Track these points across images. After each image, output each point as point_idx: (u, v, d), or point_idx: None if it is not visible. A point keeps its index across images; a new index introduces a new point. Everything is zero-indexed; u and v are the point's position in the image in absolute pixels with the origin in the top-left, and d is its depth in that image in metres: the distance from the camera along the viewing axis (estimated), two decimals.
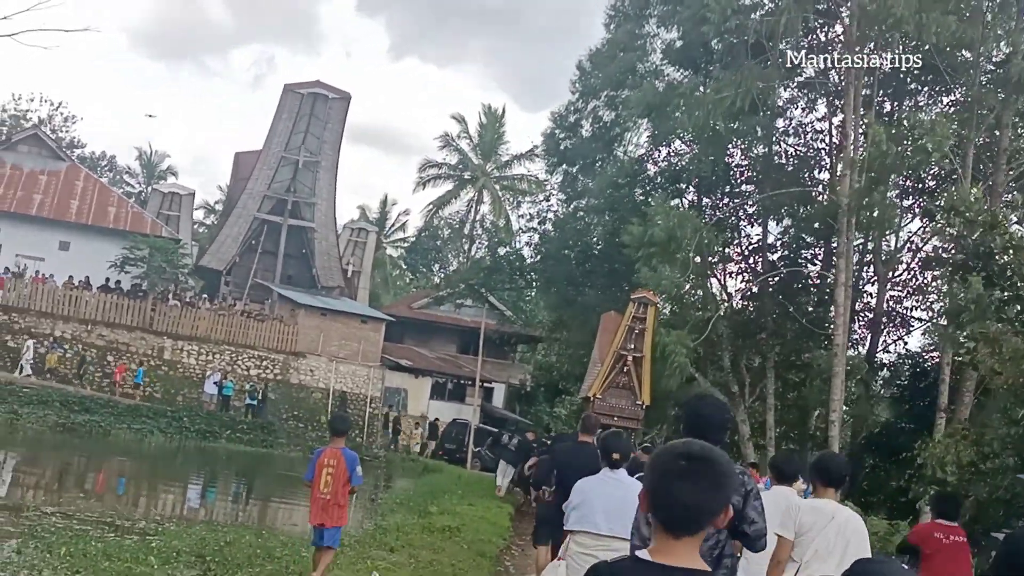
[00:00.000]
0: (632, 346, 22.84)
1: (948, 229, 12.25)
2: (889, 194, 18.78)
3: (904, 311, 26.42)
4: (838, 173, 20.49)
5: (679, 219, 18.77)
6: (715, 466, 2.29)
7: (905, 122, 18.68)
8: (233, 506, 18.75)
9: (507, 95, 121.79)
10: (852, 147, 18.59)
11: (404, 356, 40.57)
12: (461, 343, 44.12)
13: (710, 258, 23.54)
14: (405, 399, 38.51)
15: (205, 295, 40.56)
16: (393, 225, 68.62)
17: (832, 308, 25.31)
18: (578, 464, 7.23)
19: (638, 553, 2.32)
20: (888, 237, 24.03)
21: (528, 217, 32.26)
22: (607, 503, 5.72)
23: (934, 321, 20.22)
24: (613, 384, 23.02)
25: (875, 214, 18.19)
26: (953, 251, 12.78)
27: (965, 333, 13.24)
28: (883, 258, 24.58)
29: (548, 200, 31.68)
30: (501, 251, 31.31)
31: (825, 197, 21.56)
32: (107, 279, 35.86)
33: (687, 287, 21.36)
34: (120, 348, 34.33)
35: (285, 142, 42.04)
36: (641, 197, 24.91)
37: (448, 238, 60.65)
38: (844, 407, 22.28)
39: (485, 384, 39.72)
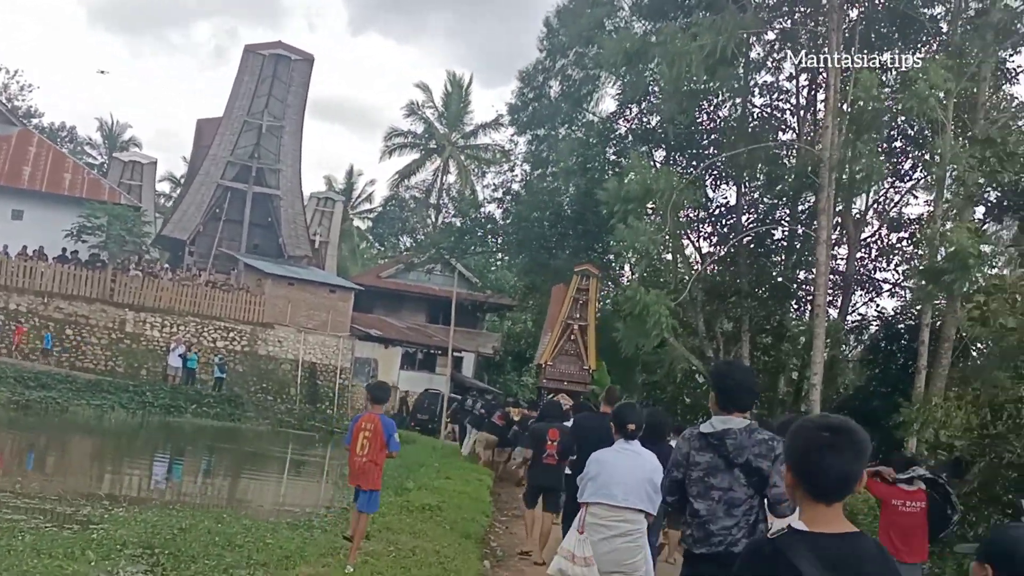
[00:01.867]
0: (577, 315, 24.89)
1: (983, 166, 11.61)
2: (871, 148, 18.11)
3: (870, 272, 26.15)
4: (820, 125, 19.87)
5: (655, 173, 18.08)
6: (856, 435, 2.44)
7: (892, 67, 18.07)
8: (194, 486, 17.61)
9: (469, 71, 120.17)
10: (835, 95, 17.93)
11: (373, 326, 39.79)
12: (430, 312, 43.41)
13: (685, 215, 23.04)
14: (375, 369, 37.76)
15: (168, 265, 39.36)
16: (360, 196, 67.50)
17: (806, 269, 25.15)
18: (596, 436, 7.29)
19: (794, 524, 2.41)
20: (857, 198, 23.64)
21: (493, 187, 31.62)
22: (624, 475, 5.75)
23: (917, 276, 19.70)
24: (562, 352, 25.03)
25: (860, 168, 17.57)
26: (988, 189, 12.17)
27: (975, 286, 12.72)
28: (854, 218, 24.24)
29: (513, 171, 31.08)
30: (472, 214, 30.38)
31: (806, 150, 20.92)
32: (63, 249, 34.57)
33: (664, 244, 20.80)
34: (79, 321, 33.16)
35: (248, 106, 40.74)
36: (613, 156, 24.29)
37: (414, 208, 59.78)
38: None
39: (455, 353, 39.07)
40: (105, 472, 17.90)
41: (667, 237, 21.36)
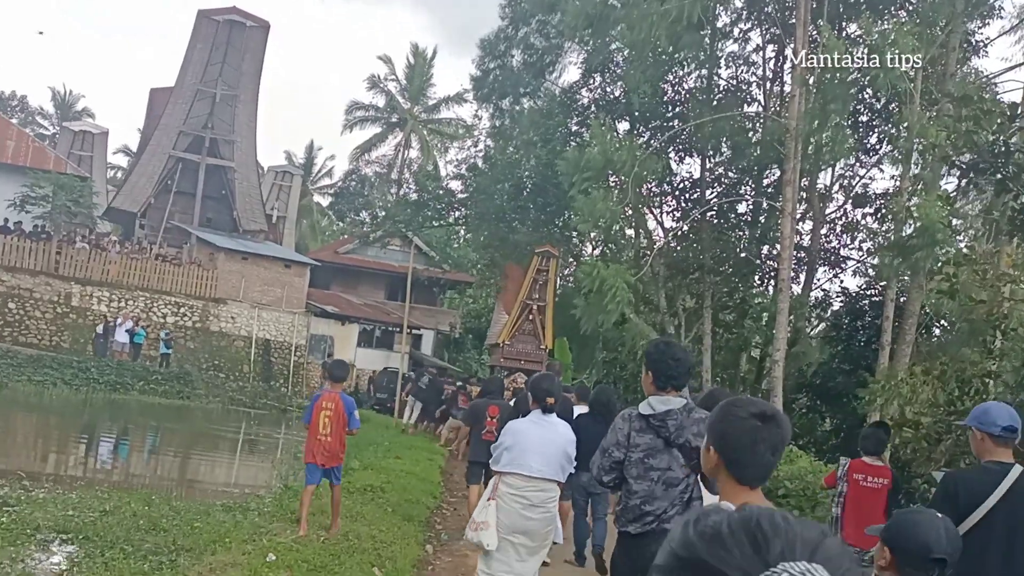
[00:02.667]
0: (536, 295, 25.52)
1: (958, 126, 11.15)
2: (838, 119, 17.61)
3: (834, 249, 25.88)
4: (787, 96, 19.34)
5: (618, 143, 17.41)
6: (784, 425, 2.46)
7: (860, 39, 17.52)
8: (129, 467, 16.45)
9: (434, 43, 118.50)
10: (802, 64, 17.36)
11: (330, 302, 38.85)
12: (389, 289, 42.51)
13: (648, 188, 22.48)
14: (331, 347, 36.85)
15: (116, 238, 38.05)
16: (320, 171, 66.25)
17: (770, 244, 24.74)
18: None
19: (721, 505, 2.27)
20: (822, 172, 23.26)
21: (456, 163, 30.91)
22: (538, 445, 5.74)
23: (884, 251, 19.32)
24: (520, 331, 25.83)
25: (827, 139, 17.07)
26: (964, 153, 11.75)
27: (944, 260, 12.25)
28: (819, 193, 23.87)
29: (476, 146, 30.37)
30: (430, 186, 29.56)
31: (773, 120, 20.39)
32: (5, 220, 33.20)
33: (625, 217, 20.25)
34: (23, 295, 31.91)
35: (201, 73, 39.32)
36: (575, 128, 23.64)
37: (375, 184, 58.75)
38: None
39: (413, 331, 38.31)
40: (33, 451, 16.84)
41: (628, 210, 20.85)
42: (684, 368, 4.59)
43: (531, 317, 26.09)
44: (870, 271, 25.72)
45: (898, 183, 20.52)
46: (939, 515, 3.03)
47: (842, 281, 26.66)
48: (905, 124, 18.02)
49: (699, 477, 4.50)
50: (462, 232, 46.96)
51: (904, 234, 17.99)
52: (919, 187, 18.29)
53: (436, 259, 40.81)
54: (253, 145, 41.33)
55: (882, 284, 23.69)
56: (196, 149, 40.07)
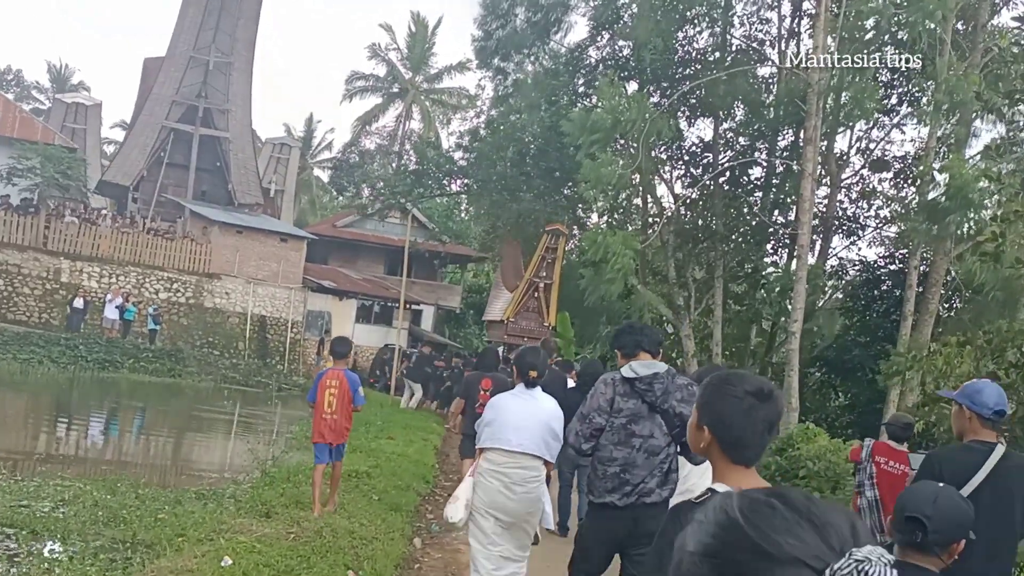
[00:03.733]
0: (544, 274, 25.69)
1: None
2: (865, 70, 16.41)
3: (851, 217, 24.78)
4: (807, 53, 18.13)
5: (627, 102, 16.21)
6: (779, 402, 2.38)
7: None
8: (103, 449, 15.14)
9: (440, 11, 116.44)
10: (826, 11, 16.14)
11: (328, 277, 37.76)
12: (389, 264, 41.39)
13: (657, 153, 21.35)
14: (329, 323, 35.83)
15: (107, 211, 36.96)
16: (320, 144, 65.04)
17: (784, 211, 23.63)
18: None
19: (716, 487, 2.32)
20: (839, 135, 22.12)
21: (459, 135, 29.81)
22: (519, 419, 5.46)
23: (909, 217, 18.21)
24: (524, 308, 25.98)
25: (852, 92, 15.90)
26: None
27: (989, 217, 11.14)
28: (836, 158, 22.75)
29: (479, 116, 29.22)
30: (430, 153, 28.41)
31: (794, 74, 19.18)
32: None
33: (633, 184, 19.14)
34: (11, 271, 30.90)
35: (194, 40, 38.01)
36: (582, 88, 22.45)
37: (376, 155, 57.58)
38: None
39: (413, 306, 37.27)
40: (6, 434, 15.75)
41: (636, 177, 19.76)
42: (646, 334, 4.47)
43: (536, 295, 26.17)
44: (888, 239, 24.69)
45: (923, 144, 19.37)
46: (941, 485, 3.11)
47: (860, 249, 25.58)
48: (931, 82, 16.90)
49: (678, 447, 4.38)
50: (464, 205, 45.85)
51: (931, 197, 16.88)
52: (950, 145, 17.12)
53: (436, 232, 39.72)
54: (248, 115, 40.11)
55: (903, 252, 22.62)
56: (190, 119, 38.88)
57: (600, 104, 16.95)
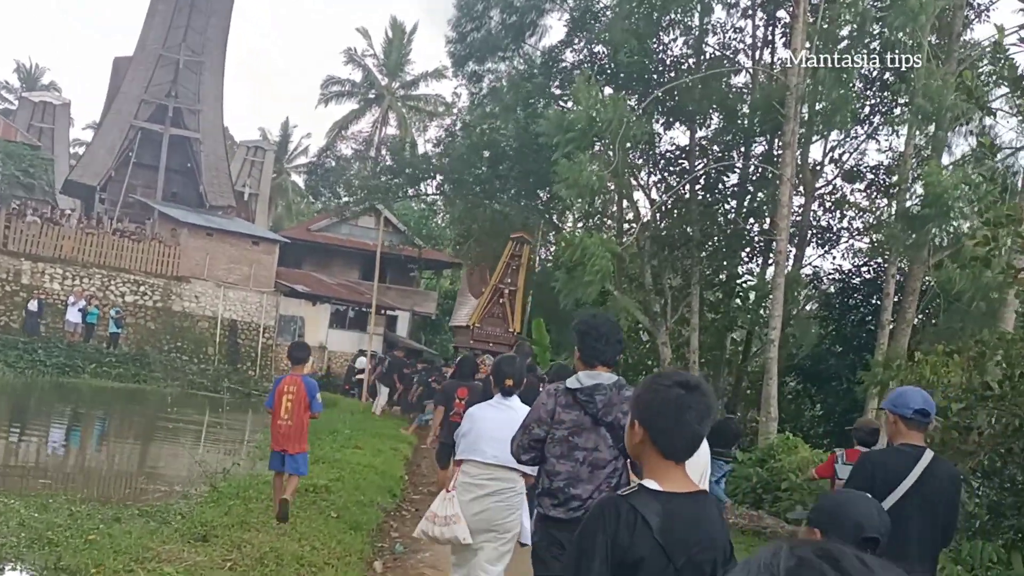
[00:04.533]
0: (509, 280, 26.21)
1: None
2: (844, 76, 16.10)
3: (826, 225, 24.62)
4: (779, 59, 17.82)
5: (602, 104, 15.78)
6: (709, 395, 2.41)
7: None
8: (52, 460, 14.31)
9: (415, 17, 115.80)
10: (805, 14, 15.80)
11: (301, 282, 37.08)
12: (363, 268, 40.73)
13: (634, 156, 20.97)
14: (302, 328, 35.15)
15: (70, 211, 36.06)
16: (296, 149, 64.34)
17: (760, 218, 23.34)
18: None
19: (645, 483, 2.37)
20: (814, 144, 21.92)
21: (435, 141, 29.33)
22: (495, 431, 5.31)
23: (886, 226, 17.95)
24: (489, 314, 26.30)
25: (829, 96, 15.58)
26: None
27: (981, 219, 10.76)
28: (811, 167, 22.56)
29: (456, 123, 28.77)
30: (403, 153, 27.90)
31: (774, 77, 18.85)
32: None
33: (609, 191, 18.73)
34: None
35: (163, 38, 37.22)
36: (557, 91, 22.07)
37: (353, 160, 56.95)
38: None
39: (388, 312, 36.65)
40: None
41: (612, 184, 19.37)
42: (611, 343, 4.30)
43: (501, 301, 26.40)
44: (861, 251, 24.56)
45: (898, 153, 19.14)
46: (867, 495, 3.18)
47: (834, 258, 25.45)
48: (907, 87, 16.65)
49: (628, 462, 4.26)
50: (439, 211, 45.34)
51: (909, 205, 16.61)
52: (927, 155, 16.87)
53: (411, 236, 39.13)
54: (220, 115, 39.36)
55: (878, 261, 22.39)
56: (159, 119, 38.09)
57: (576, 103, 16.52)
